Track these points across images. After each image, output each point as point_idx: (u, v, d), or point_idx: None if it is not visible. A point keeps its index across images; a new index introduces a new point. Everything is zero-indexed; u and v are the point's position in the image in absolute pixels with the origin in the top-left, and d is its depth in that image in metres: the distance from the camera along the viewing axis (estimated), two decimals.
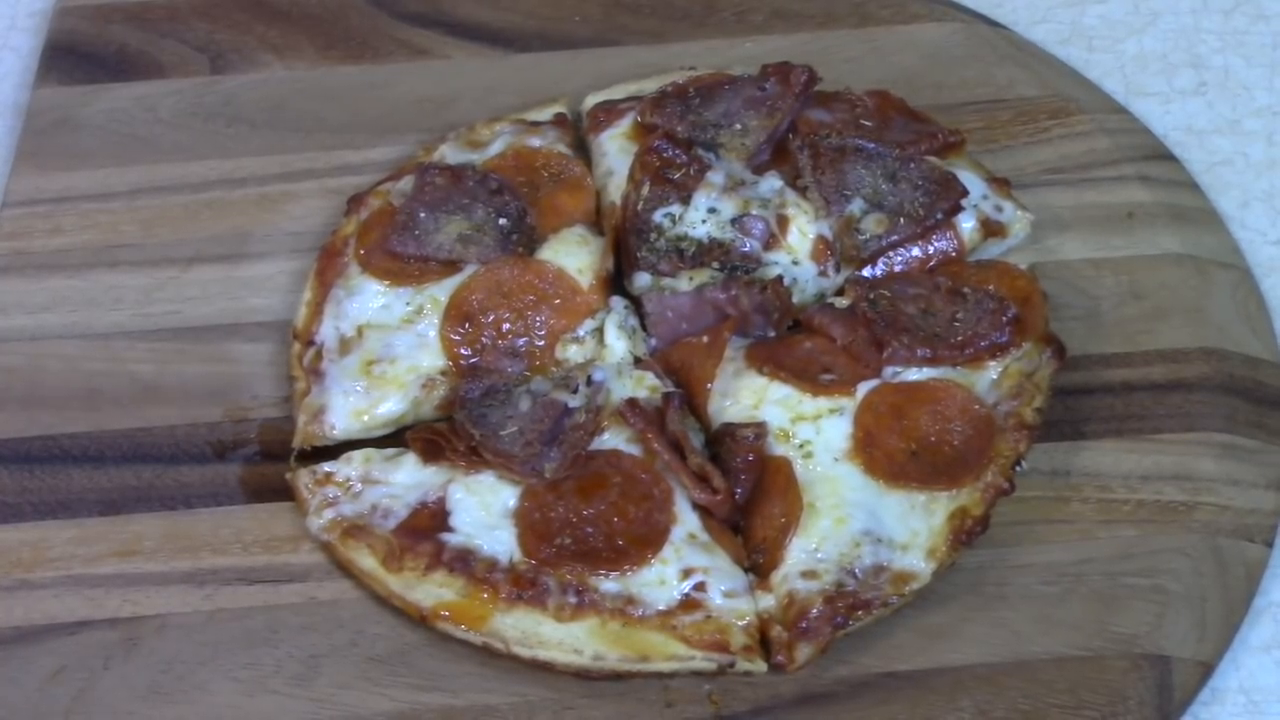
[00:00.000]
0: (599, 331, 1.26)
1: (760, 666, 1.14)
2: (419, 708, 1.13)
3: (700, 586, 1.15)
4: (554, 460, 1.19)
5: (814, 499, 1.18)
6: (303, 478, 1.23)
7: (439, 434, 1.22)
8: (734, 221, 1.30)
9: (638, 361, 1.26)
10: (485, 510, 1.19)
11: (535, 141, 1.37)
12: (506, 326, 1.27)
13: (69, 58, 1.51)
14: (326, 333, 1.29)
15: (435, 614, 1.16)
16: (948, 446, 1.21)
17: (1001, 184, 1.35)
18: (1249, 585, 1.18)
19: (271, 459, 1.26)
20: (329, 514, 1.21)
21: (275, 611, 1.18)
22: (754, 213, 1.30)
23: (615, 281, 1.30)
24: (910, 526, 1.17)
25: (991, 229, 1.33)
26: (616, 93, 1.41)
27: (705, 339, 1.24)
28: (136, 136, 1.45)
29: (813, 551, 1.16)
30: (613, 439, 1.21)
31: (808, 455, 1.20)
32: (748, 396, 1.23)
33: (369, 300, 1.29)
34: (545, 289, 1.28)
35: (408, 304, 1.28)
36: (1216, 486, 1.22)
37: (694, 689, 1.14)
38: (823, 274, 1.30)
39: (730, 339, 1.25)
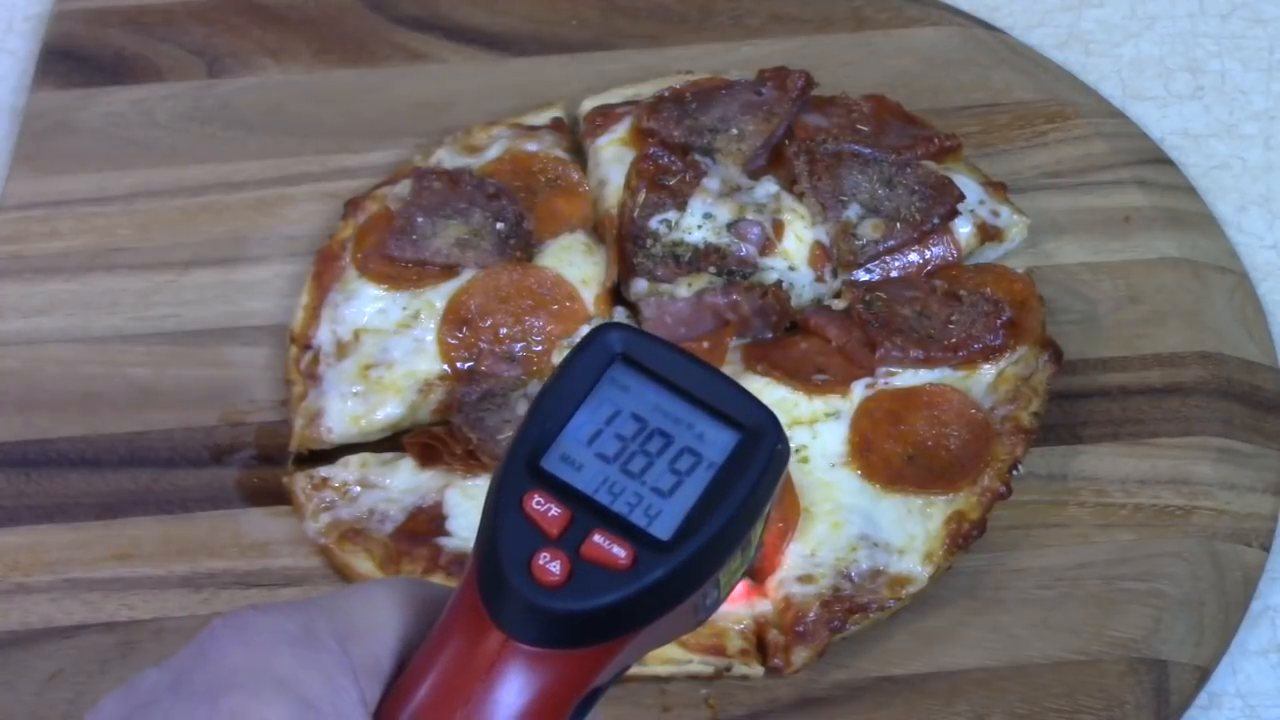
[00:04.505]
0: None
1: (757, 670, 1.14)
2: None
3: None
4: None
5: (810, 504, 1.18)
6: (300, 481, 1.23)
7: (436, 438, 1.22)
8: (730, 226, 1.30)
9: None
10: None
11: (532, 146, 1.37)
12: (504, 331, 1.27)
13: (66, 61, 1.50)
14: (323, 337, 1.29)
15: None
16: (944, 451, 1.21)
17: (998, 188, 1.35)
18: (1246, 589, 1.18)
19: (268, 463, 1.26)
20: (326, 518, 1.21)
21: None
22: (749, 217, 1.30)
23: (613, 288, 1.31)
24: (907, 531, 1.17)
25: (988, 233, 1.33)
26: (613, 97, 1.41)
27: (706, 344, 1.24)
28: (133, 140, 1.45)
29: (809, 556, 1.16)
30: None
31: (804, 460, 1.20)
32: None
33: (366, 304, 1.29)
34: (543, 294, 1.28)
35: (404, 308, 1.28)
36: (1214, 491, 1.22)
37: (691, 693, 1.14)
38: (819, 279, 1.31)
39: (730, 343, 1.25)
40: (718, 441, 0.70)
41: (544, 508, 0.69)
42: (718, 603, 0.72)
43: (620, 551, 0.68)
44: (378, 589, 0.73)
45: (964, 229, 1.32)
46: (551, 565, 0.68)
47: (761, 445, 0.70)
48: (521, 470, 0.70)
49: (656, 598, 0.68)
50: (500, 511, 0.69)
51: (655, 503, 0.69)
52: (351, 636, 0.70)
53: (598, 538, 0.68)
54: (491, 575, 0.69)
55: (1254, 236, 1.39)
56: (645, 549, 0.68)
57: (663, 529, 0.69)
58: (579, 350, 0.72)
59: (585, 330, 1.26)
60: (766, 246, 1.30)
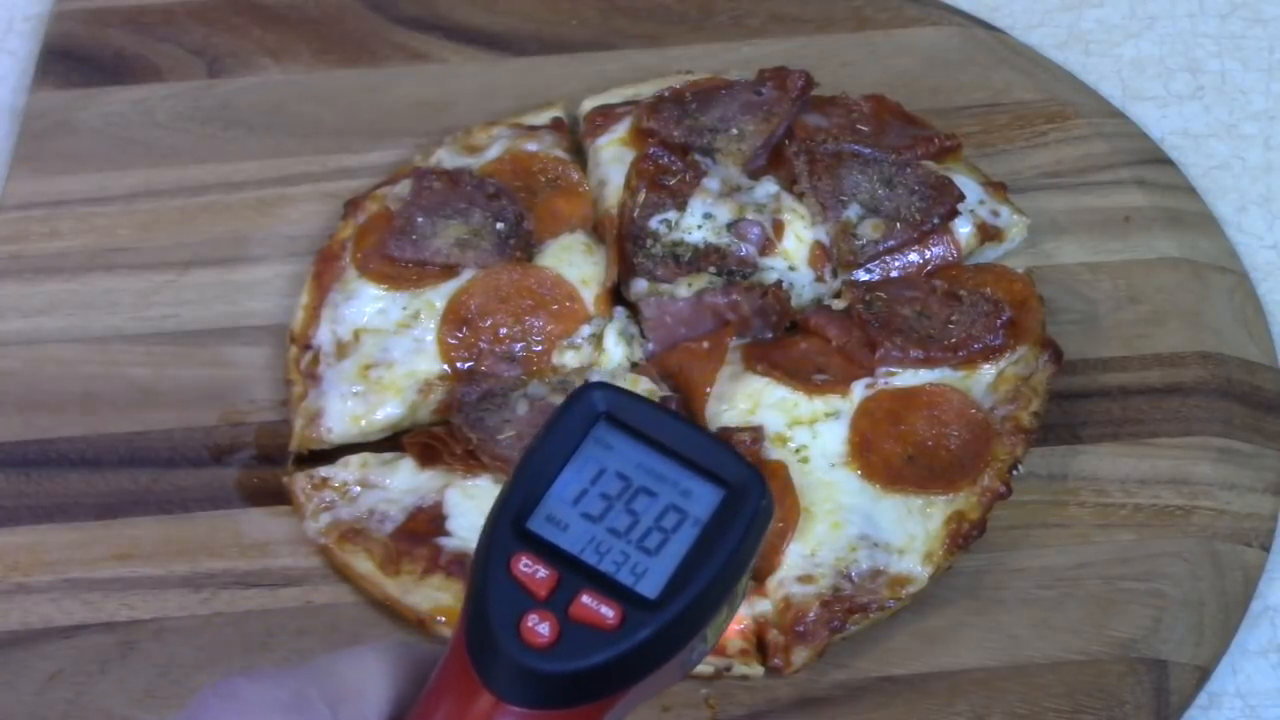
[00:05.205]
0: (596, 338, 1.26)
1: (757, 670, 1.14)
2: None
3: None
4: None
5: (810, 504, 1.18)
6: (300, 481, 1.23)
7: (436, 438, 1.22)
8: (730, 226, 1.30)
9: (634, 366, 1.26)
10: (482, 514, 1.17)
11: (532, 146, 1.37)
12: (504, 331, 1.27)
13: (65, 61, 1.50)
14: (323, 337, 1.29)
15: (432, 618, 1.16)
16: (944, 451, 1.21)
17: (998, 188, 1.35)
18: (1246, 589, 1.18)
19: (268, 463, 1.26)
20: (326, 518, 1.21)
21: (273, 615, 1.18)
22: (749, 217, 1.30)
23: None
24: (907, 531, 1.17)
25: (988, 233, 1.33)
26: (613, 96, 1.41)
27: (706, 344, 1.24)
28: (133, 140, 1.45)
29: (809, 556, 1.16)
30: None
31: (804, 460, 1.20)
32: (744, 400, 1.23)
33: (366, 304, 1.29)
34: (543, 294, 1.28)
35: (404, 308, 1.28)
36: (1214, 490, 1.22)
37: (691, 693, 1.14)
38: (819, 279, 1.31)
39: (730, 343, 1.25)
40: (702, 498, 0.71)
41: (531, 569, 0.69)
42: (704, 655, 0.72)
43: (608, 611, 0.68)
44: (368, 653, 0.73)
45: (964, 229, 1.32)
46: (540, 627, 0.68)
47: (746, 501, 0.71)
48: (508, 532, 0.70)
49: (646, 655, 0.69)
50: (488, 574, 0.69)
51: (642, 561, 0.70)
52: (342, 701, 0.70)
53: (586, 598, 0.68)
54: (481, 637, 0.69)
55: (1254, 236, 1.39)
56: (633, 608, 0.68)
57: (650, 587, 0.69)
58: (563, 410, 0.73)
59: (586, 330, 1.27)
60: (766, 246, 1.30)
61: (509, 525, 0.70)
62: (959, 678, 1.14)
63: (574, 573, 0.69)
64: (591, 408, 0.73)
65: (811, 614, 1.14)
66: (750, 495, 0.71)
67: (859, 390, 1.23)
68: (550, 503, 0.71)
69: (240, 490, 1.25)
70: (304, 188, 1.41)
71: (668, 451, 0.72)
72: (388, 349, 1.27)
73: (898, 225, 1.30)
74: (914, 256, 1.31)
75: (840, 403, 1.23)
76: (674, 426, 0.72)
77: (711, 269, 1.28)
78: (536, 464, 0.72)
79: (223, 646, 1.17)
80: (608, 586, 0.69)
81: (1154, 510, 1.21)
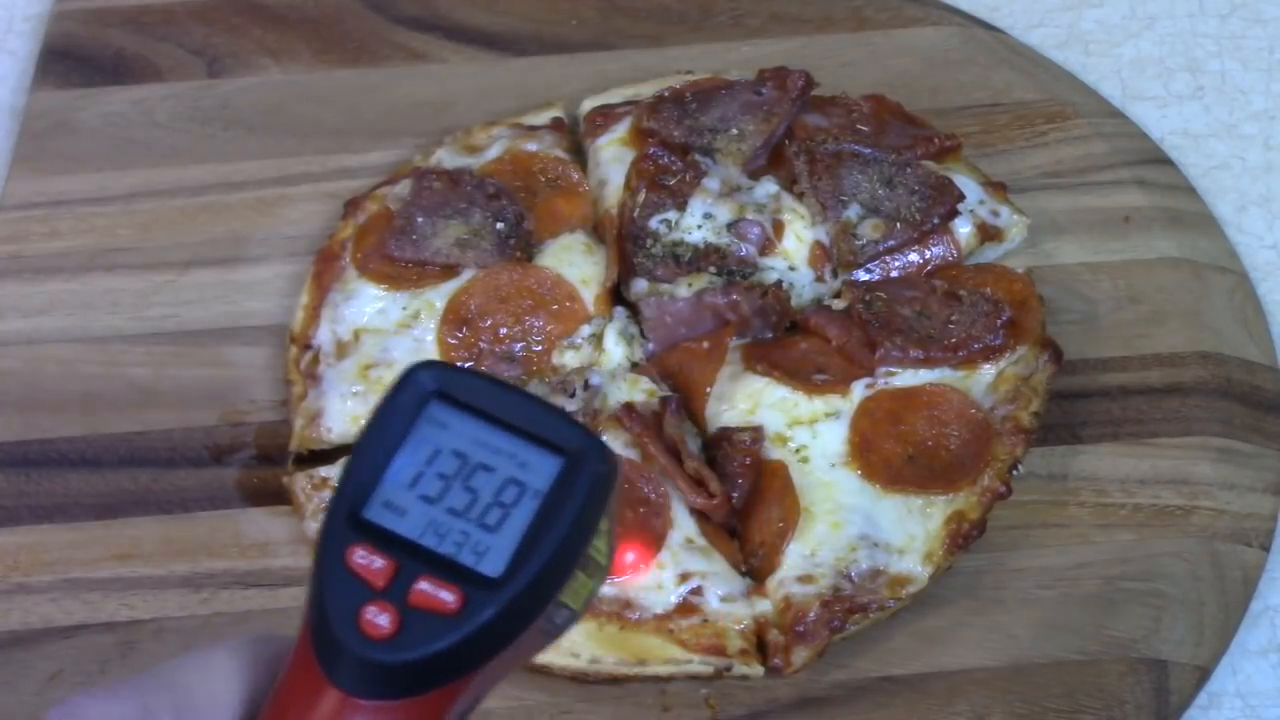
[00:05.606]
0: (596, 338, 1.26)
1: (757, 670, 1.14)
2: None
3: (697, 591, 1.15)
4: None
5: (810, 504, 1.18)
6: (300, 481, 1.23)
7: None
8: (730, 226, 1.30)
9: (635, 366, 1.26)
10: None
11: (532, 146, 1.37)
12: (504, 331, 1.27)
13: (65, 61, 1.50)
14: (323, 337, 1.29)
15: None
16: (944, 451, 1.21)
17: (998, 188, 1.35)
18: (1246, 589, 1.19)
19: (268, 463, 1.26)
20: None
21: (272, 615, 1.18)
22: (749, 217, 1.30)
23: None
24: (907, 531, 1.17)
25: (988, 233, 1.33)
26: (613, 96, 1.41)
27: (706, 344, 1.24)
28: (133, 140, 1.45)
29: (809, 556, 1.16)
30: (609, 443, 1.20)
31: (804, 460, 1.20)
32: (744, 400, 1.23)
33: (366, 304, 1.29)
34: (543, 294, 1.28)
35: (404, 308, 1.28)
36: (1213, 491, 1.22)
37: (691, 693, 1.14)
38: (819, 279, 1.31)
39: (730, 343, 1.25)
40: (541, 469, 0.69)
41: (367, 560, 0.67)
42: (573, 619, 0.71)
43: (448, 596, 0.67)
44: (217, 655, 0.71)
45: (964, 229, 1.32)
46: (380, 619, 0.66)
47: (585, 467, 0.69)
48: (342, 524, 0.68)
49: (492, 635, 0.67)
50: (325, 569, 0.68)
51: (483, 539, 0.68)
52: (190, 710, 0.69)
53: (424, 584, 0.67)
54: (322, 634, 0.68)
55: (1254, 236, 1.39)
56: (475, 589, 0.67)
57: (492, 566, 0.67)
58: (392, 394, 0.71)
59: (586, 330, 1.27)
60: (766, 246, 1.30)
61: (343, 517, 0.68)
62: (959, 678, 1.14)
63: (413, 559, 0.68)
64: (421, 388, 0.71)
65: (811, 614, 1.14)
66: (588, 461, 0.69)
67: (859, 390, 1.23)
68: (386, 488, 0.69)
69: (240, 490, 1.25)
70: (304, 188, 1.41)
71: (504, 425, 0.70)
72: (388, 349, 1.27)
73: (898, 225, 1.30)
74: (914, 256, 1.31)
75: (840, 403, 1.23)
76: (509, 399, 0.71)
77: (711, 269, 1.28)
78: (369, 450, 0.70)
79: None
80: (448, 569, 0.67)
81: (1154, 510, 1.21)
